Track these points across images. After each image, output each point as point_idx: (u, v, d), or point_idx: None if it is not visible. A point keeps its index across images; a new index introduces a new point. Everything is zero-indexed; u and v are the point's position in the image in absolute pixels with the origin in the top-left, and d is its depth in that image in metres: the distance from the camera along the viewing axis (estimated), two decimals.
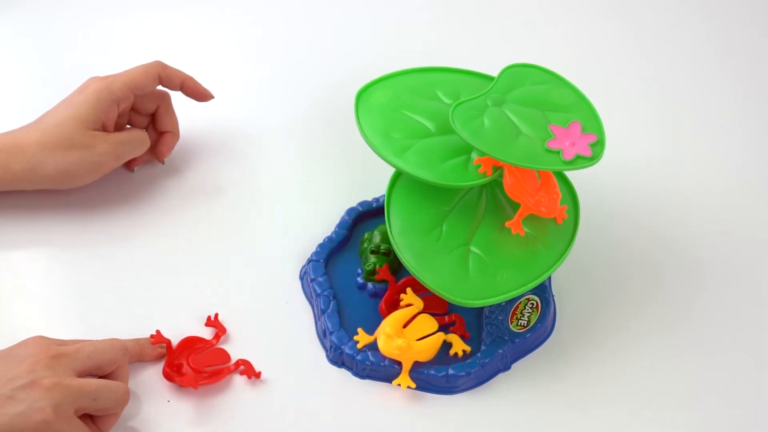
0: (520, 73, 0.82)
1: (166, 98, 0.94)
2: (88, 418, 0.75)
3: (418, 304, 0.83)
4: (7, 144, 0.87)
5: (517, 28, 1.12)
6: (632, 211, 0.94)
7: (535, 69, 0.82)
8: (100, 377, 0.77)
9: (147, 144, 0.92)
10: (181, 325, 0.84)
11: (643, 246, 0.92)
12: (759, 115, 1.04)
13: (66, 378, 0.73)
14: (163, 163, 0.94)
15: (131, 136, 0.91)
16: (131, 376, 0.80)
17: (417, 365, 0.81)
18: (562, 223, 0.83)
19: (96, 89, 0.89)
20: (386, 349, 0.80)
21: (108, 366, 0.77)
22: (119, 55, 1.07)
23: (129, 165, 0.94)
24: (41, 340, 0.77)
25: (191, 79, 0.94)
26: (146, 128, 0.95)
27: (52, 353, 0.75)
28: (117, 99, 0.89)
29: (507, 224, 0.81)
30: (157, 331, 0.83)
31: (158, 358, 0.82)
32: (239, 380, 0.81)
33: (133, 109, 0.93)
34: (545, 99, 0.80)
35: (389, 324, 0.80)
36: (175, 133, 0.95)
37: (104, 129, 0.89)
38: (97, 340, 0.78)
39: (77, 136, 0.87)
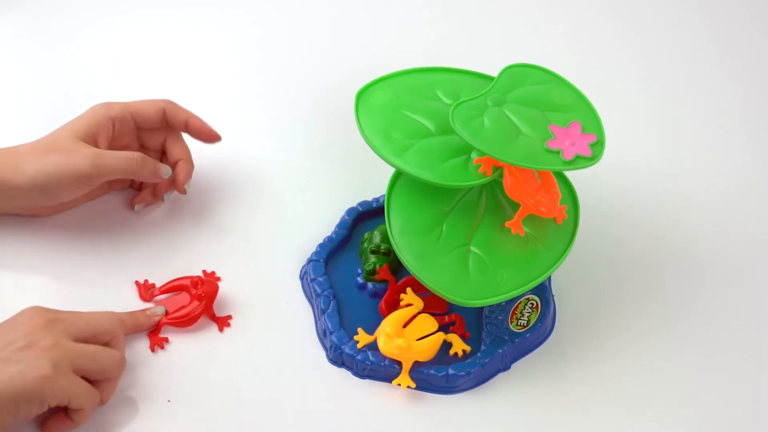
0: (519, 73, 0.82)
1: (172, 129, 0.92)
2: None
3: (418, 303, 0.83)
4: (2, 150, 0.86)
5: (517, 28, 1.12)
6: (632, 211, 0.94)
7: (534, 69, 0.82)
8: None
9: (136, 163, 0.87)
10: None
11: (643, 246, 0.92)
12: (759, 115, 1.04)
13: (63, 340, 0.75)
14: (185, 192, 0.91)
15: (117, 152, 0.87)
16: (131, 377, 0.80)
17: (417, 365, 0.81)
18: (562, 223, 0.83)
19: (94, 107, 0.89)
20: (386, 349, 0.80)
21: (104, 335, 0.78)
22: (119, 56, 1.07)
23: (131, 201, 0.92)
24: (37, 308, 0.77)
25: (197, 118, 0.91)
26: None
27: (49, 318, 0.76)
28: (113, 117, 0.88)
29: (507, 224, 0.81)
30: (145, 280, 0.86)
31: (153, 327, 0.84)
32: (239, 380, 0.82)
33: (143, 146, 0.92)
34: (545, 99, 0.80)
35: (389, 324, 0.81)
36: (189, 161, 0.92)
37: (96, 144, 0.88)
38: (93, 311, 0.80)
39: (63, 141, 0.86)
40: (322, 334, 0.84)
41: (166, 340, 0.83)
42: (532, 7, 1.14)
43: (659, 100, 1.05)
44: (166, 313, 0.84)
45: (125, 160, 0.86)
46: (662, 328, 0.86)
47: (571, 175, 0.85)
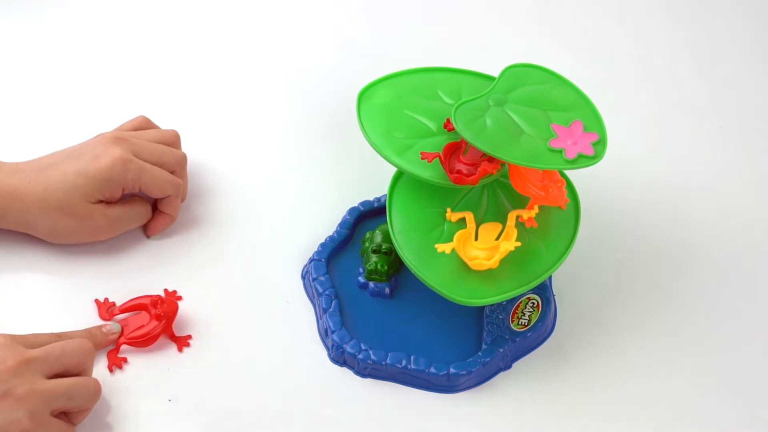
0: (521, 73, 0.82)
1: (178, 187, 0.90)
2: (61, 413, 0.75)
3: (467, 215, 0.81)
4: (5, 192, 0.85)
5: (518, 28, 1.12)
6: (632, 210, 0.94)
7: (535, 69, 0.82)
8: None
9: (148, 217, 0.89)
10: (184, 324, 0.84)
11: (643, 246, 0.92)
12: (759, 115, 1.04)
13: (37, 383, 0.73)
14: (148, 237, 0.91)
15: (131, 211, 0.88)
16: (132, 376, 0.80)
17: (418, 364, 0.81)
18: (562, 223, 0.83)
19: (112, 164, 0.85)
20: (485, 267, 0.78)
21: (75, 369, 0.76)
22: (122, 53, 1.07)
23: (147, 231, 0.91)
24: (2, 339, 0.75)
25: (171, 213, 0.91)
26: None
27: (21, 359, 0.73)
28: (129, 180, 0.86)
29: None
30: (105, 299, 0.85)
31: (109, 345, 0.82)
32: (240, 379, 0.82)
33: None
34: (546, 98, 0.80)
35: (474, 248, 0.79)
36: (173, 217, 0.91)
37: (107, 200, 0.87)
38: (65, 342, 0.77)
39: (77, 207, 0.85)
40: (324, 333, 0.84)
41: (125, 360, 0.82)
42: (534, 7, 1.14)
43: (659, 100, 1.05)
44: (125, 332, 0.83)
45: (138, 217, 0.89)
46: (663, 328, 0.86)
47: (572, 174, 0.85)
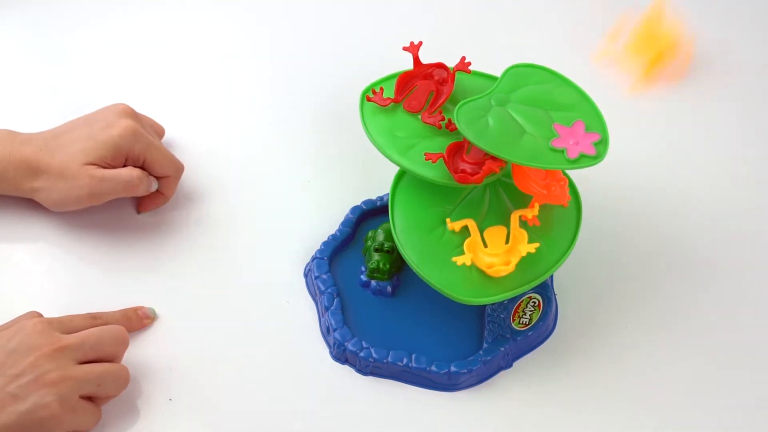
0: (523, 73, 0.82)
1: (179, 169, 0.92)
2: (87, 396, 0.76)
3: (469, 223, 0.81)
4: (16, 159, 0.86)
5: (520, 28, 1.12)
6: (633, 210, 0.95)
7: (537, 69, 0.83)
8: None
9: (134, 187, 0.88)
10: (185, 323, 0.85)
11: (644, 245, 0.92)
12: (759, 114, 1.05)
13: (70, 369, 0.75)
14: (139, 213, 0.92)
15: (118, 175, 0.87)
16: (132, 375, 0.80)
17: (419, 362, 0.81)
18: (564, 222, 0.83)
19: (123, 132, 0.87)
20: (505, 272, 0.78)
21: (109, 357, 0.78)
22: (123, 51, 1.07)
23: (139, 207, 0.92)
24: (40, 325, 0.76)
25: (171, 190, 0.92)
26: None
27: (56, 346, 0.75)
28: (135, 151, 0.88)
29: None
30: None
31: (142, 328, 0.84)
32: (242, 377, 0.82)
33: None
34: (548, 98, 0.80)
35: (487, 254, 0.79)
36: (168, 196, 0.92)
37: (105, 165, 0.87)
38: (101, 329, 0.78)
39: (72, 167, 0.86)
40: (325, 331, 0.85)
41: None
42: (535, 7, 1.14)
43: (660, 99, 1.05)
44: None
45: (124, 183, 0.87)
46: (664, 327, 0.87)
47: (574, 174, 0.85)
